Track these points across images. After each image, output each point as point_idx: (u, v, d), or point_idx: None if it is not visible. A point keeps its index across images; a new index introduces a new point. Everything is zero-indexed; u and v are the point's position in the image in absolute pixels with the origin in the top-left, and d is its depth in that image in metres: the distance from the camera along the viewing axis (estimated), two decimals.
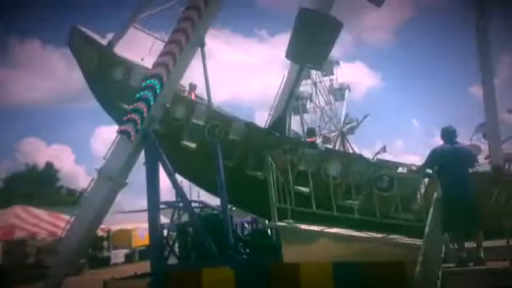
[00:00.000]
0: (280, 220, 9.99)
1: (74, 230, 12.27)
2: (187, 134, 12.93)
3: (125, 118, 11.41)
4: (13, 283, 19.51)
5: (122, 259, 28.02)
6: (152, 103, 11.57)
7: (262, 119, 14.86)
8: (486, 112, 11.13)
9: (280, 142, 12.17)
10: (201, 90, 13.98)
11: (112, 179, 11.99)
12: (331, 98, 40.70)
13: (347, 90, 41.42)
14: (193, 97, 14.40)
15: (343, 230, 9.68)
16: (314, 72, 38.27)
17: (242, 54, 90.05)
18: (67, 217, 14.63)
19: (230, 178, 11.99)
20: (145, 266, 13.47)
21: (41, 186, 53.24)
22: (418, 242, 7.44)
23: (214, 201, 13.57)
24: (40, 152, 78.12)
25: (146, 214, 12.34)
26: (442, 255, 7.72)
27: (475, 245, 7.71)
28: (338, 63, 41.67)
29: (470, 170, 8.26)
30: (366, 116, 38.80)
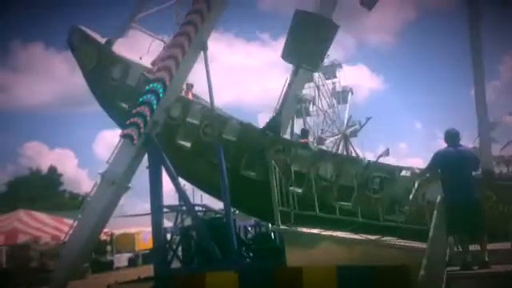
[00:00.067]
0: (283, 223, 9.98)
1: (77, 234, 12.29)
2: (182, 133, 12.91)
3: (128, 122, 11.44)
4: (16, 287, 19.52)
5: (126, 263, 27.99)
6: (155, 107, 11.59)
7: (265, 122, 14.85)
8: (476, 111, 11.12)
9: (274, 142, 12.20)
10: (203, 93, 13.98)
11: (115, 183, 12.01)
12: (334, 100, 40.68)
13: (350, 93, 41.41)
14: (190, 96, 14.40)
15: (346, 234, 9.66)
16: (316, 75, 38.28)
17: (244, 57, 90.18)
18: (70, 221, 14.66)
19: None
20: (148, 270, 13.46)
21: (44, 189, 53.31)
22: (421, 245, 7.42)
23: (217, 204, 13.56)
24: (43, 156, 78.34)
25: (149, 218, 12.35)
26: (447, 258, 7.69)
27: (479, 248, 7.67)
28: (340, 66, 41.71)
29: (474, 173, 8.24)
30: (368, 119, 38.79)
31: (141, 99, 11.63)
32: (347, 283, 8.99)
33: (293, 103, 16.72)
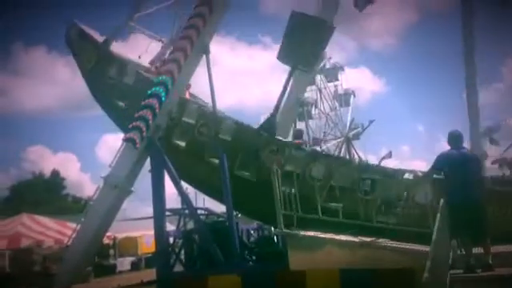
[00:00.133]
0: (286, 227, 9.97)
1: (80, 238, 12.30)
2: (178, 132, 12.91)
3: (130, 126, 11.45)
4: None
5: (128, 267, 27.92)
6: (157, 111, 11.60)
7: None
8: (468, 108, 11.12)
9: (268, 142, 12.22)
10: (205, 96, 13.99)
11: (117, 187, 12.03)
12: (336, 103, 40.63)
13: (352, 96, 41.34)
14: (187, 95, 14.43)
15: (349, 237, 9.64)
16: (318, 78, 38.31)
17: (246, 60, 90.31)
18: (73, 225, 14.65)
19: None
20: (151, 274, 13.48)
21: (47, 193, 53.45)
22: (424, 248, 7.40)
23: (220, 208, 13.56)
24: (46, 160, 78.55)
25: (151, 221, 12.35)
26: (450, 261, 7.67)
27: (483, 251, 7.65)
28: (342, 69, 41.67)
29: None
30: (371, 122, 38.70)
31: (143, 103, 11.65)
32: (351, 286, 8.97)
33: (294, 106, 16.76)
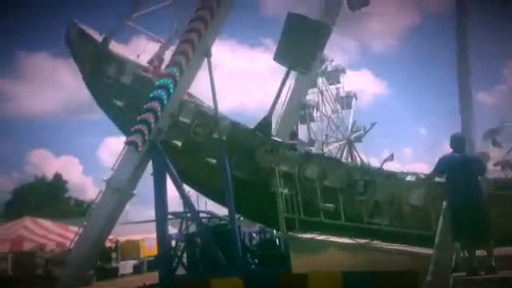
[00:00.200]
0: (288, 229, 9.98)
1: (82, 241, 12.29)
2: (175, 132, 12.93)
3: (132, 129, 11.47)
4: None
5: (131, 270, 27.92)
6: (159, 114, 11.61)
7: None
8: (460, 108, 11.11)
9: (263, 142, 12.24)
10: (207, 99, 14.00)
11: (120, 190, 12.02)
12: (338, 106, 40.62)
13: (354, 98, 41.31)
14: (185, 95, 14.44)
15: (351, 240, 9.64)
16: (320, 81, 38.31)
17: (247, 63, 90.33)
18: (75, 228, 14.66)
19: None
20: (153, 277, 13.45)
21: (49, 196, 53.45)
22: (427, 250, 7.38)
23: (222, 211, 13.56)
24: (48, 163, 78.44)
25: (154, 225, 12.35)
26: (453, 264, 7.65)
27: (486, 253, 7.63)
28: (344, 71, 41.64)
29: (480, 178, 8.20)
30: (373, 124, 38.65)
31: (145, 106, 11.67)
32: None
33: (296, 109, 16.77)
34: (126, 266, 27.77)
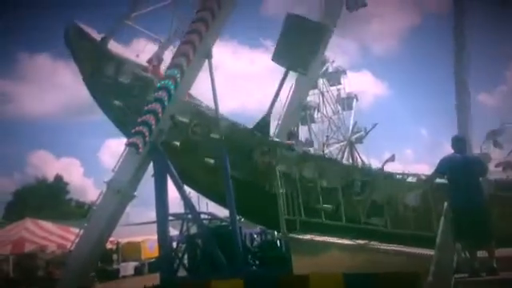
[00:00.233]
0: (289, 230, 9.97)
1: (83, 243, 12.30)
2: (173, 132, 12.94)
3: (133, 131, 11.48)
4: None
5: (132, 272, 27.90)
6: (160, 116, 11.61)
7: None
8: (457, 107, 11.09)
9: (261, 143, 12.24)
10: (208, 100, 14.01)
11: (120, 192, 12.02)
12: (339, 107, 40.60)
13: (355, 100, 41.27)
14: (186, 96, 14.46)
15: (353, 241, 9.62)
16: (321, 82, 38.29)
17: (248, 64, 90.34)
18: (76, 230, 14.66)
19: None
20: (154, 279, 13.43)
21: (50, 198, 53.49)
22: (428, 252, 7.37)
23: (223, 212, 13.56)
24: (49, 165, 78.67)
25: (155, 226, 12.34)
26: (454, 265, 7.63)
27: (487, 254, 7.61)
28: (344, 73, 41.60)
29: (481, 179, 8.19)
30: (374, 125, 38.62)
31: (146, 108, 11.68)
32: None
33: (297, 110, 16.77)
34: (127, 268, 27.76)
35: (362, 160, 36.71)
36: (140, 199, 12.99)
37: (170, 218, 12.55)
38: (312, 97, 36.34)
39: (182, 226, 13.63)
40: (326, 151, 34.68)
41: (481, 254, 7.67)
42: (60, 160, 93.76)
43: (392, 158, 32.61)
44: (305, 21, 12.78)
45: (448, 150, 8.37)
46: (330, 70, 40.29)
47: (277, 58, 13.03)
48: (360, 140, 39.02)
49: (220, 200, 13.14)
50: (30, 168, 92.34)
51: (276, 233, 12.58)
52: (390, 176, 12.24)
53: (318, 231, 10.01)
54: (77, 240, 12.76)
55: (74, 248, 12.94)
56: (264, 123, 13.17)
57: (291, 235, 9.97)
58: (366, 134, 38.69)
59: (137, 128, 11.40)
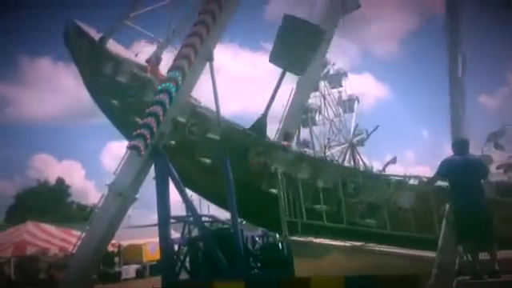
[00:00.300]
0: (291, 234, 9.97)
1: (84, 246, 12.29)
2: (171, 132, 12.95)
3: (134, 133, 11.49)
4: None
5: (133, 274, 27.93)
6: (161, 118, 11.63)
7: (270, 130, 14.94)
8: (451, 110, 11.10)
9: (256, 143, 12.25)
10: (209, 103, 14.04)
11: (122, 194, 12.02)
12: (340, 109, 40.64)
13: (356, 102, 41.34)
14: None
15: (355, 244, 9.62)
16: (322, 84, 38.32)
17: (249, 67, 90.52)
18: (78, 232, 14.67)
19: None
20: (156, 281, 13.42)
21: (52, 201, 53.54)
22: (430, 254, 7.37)
23: (224, 215, 13.55)
24: (51, 168, 78.85)
25: (156, 229, 12.33)
26: (456, 267, 7.63)
27: (489, 257, 7.61)
28: (346, 75, 41.69)
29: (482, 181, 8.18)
30: (375, 127, 38.64)
31: (147, 110, 11.69)
32: None
33: (298, 113, 16.78)
34: (129, 271, 27.78)
35: (363, 162, 36.75)
36: (141, 202, 13.01)
37: (172, 220, 12.53)
38: (313, 99, 36.43)
39: (184, 229, 13.60)
40: (328, 153, 34.71)
41: (482, 256, 7.67)
42: (61, 163, 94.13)
43: (393, 160, 32.65)
44: (302, 22, 12.81)
45: (449, 151, 8.39)
46: (331, 72, 40.38)
47: (274, 58, 13.09)
48: (361, 142, 39.07)
49: (220, 202, 13.15)
50: (31, 171, 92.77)
51: (277, 235, 12.57)
52: (384, 177, 12.25)
53: (316, 233, 10.00)
54: (78, 243, 12.75)
55: (75, 251, 12.94)
56: (260, 124, 13.18)
57: (293, 238, 9.96)
58: (368, 136, 38.74)
59: (138, 131, 11.41)
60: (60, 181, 58.32)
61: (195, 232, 13.25)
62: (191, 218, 12.92)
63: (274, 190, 11.59)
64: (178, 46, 14.00)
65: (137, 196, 12.59)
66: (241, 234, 11.89)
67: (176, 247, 12.96)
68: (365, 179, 11.38)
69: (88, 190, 76.58)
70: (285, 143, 13.75)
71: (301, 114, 19.14)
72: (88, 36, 14.47)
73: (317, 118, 39.03)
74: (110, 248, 22.74)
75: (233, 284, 10.33)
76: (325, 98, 39.92)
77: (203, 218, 13.51)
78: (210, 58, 12.55)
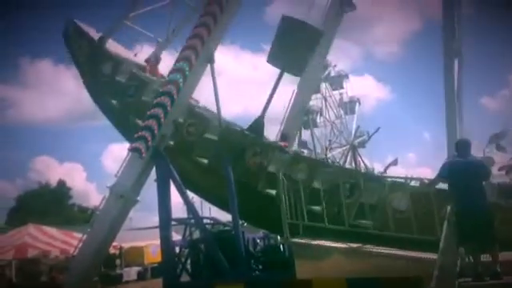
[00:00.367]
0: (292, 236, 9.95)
1: (86, 248, 12.30)
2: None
3: (136, 136, 11.50)
4: None
5: (135, 276, 27.89)
6: (162, 120, 11.64)
7: (271, 132, 14.95)
8: (446, 118, 11.08)
9: (253, 143, 12.26)
10: (210, 105, 14.06)
11: (123, 197, 12.02)
12: (341, 111, 40.69)
13: (357, 104, 41.40)
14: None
15: (356, 246, 9.60)
16: (323, 86, 38.37)
17: (250, 69, 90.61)
18: (79, 235, 14.68)
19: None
20: (157, 284, 13.44)
21: (53, 203, 53.57)
22: (432, 256, 7.35)
23: (226, 217, 13.54)
24: (52, 170, 79.07)
25: (157, 231, 12.33)
26: (458, 269, 7.61)
27: (491, 258, 7.59)
28: (347, 77, 41.78)
29: (484, 183, 8.17)
30: (377, 129, 38.68)
31: (149, 112, 11.70)
32: None
33: (299, 115, 16.75)
34: (130, 273, 27.74)
35: (364, 164, 36.77)
36: (143, 204, 13.02)
37: (173, 222, 12.53)
38: (315, 101, 36.52)
39: (185, 231, 13.61)
40: (329, 155, 34.72)
41: (484, 258, 7.65)
42: (63, 165, 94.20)
43: (395, 162, 32.70)
44: (300, 23, 12.82)
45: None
46: (333, 74, 40.45)
47: (271, 59, 13.11)
48: (363, 144, 39.13)
49: (220, 203, 13.13)
50: (32, 173, 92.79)
51: (279, 237, 12.56)
52: (381, 178, 12.22)
53: (315, 234, 9.97)
54: (80, 245, 12.76)
55: (77, 253, 12.94)
56: (257, 124, 13.18)
57: (294, 240, 9.94)
58: (369, 138, 38.81)
59: (139, 133, 11.43)
60: (61, 183, 58.39)
61: (196, 234, 13.25)
62: (192, 220, 12.93)
63: (269, 191, 11.61)
64: (177, 46, 14.09)
65: (138, 198, 12.60)
66: (242, 236, 11.88)
67: (177, 249, 12.97)
68: (361, 180, 11.33)
69: (89, 192, 76.72)
70: (282, 144, 13.73)
71: (302, 115, 19.12)
72: (88, 36, 14.50)
73: (318, 120, 39.09)
74: (112, 250, 22.70)
75: (234, 286, 10.32)
76: (326, 100, 39.99)
77: (204, 220, 13.52)
78: (211, 60, 12.56)
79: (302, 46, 12.74)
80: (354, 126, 40.00)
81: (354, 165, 35.58)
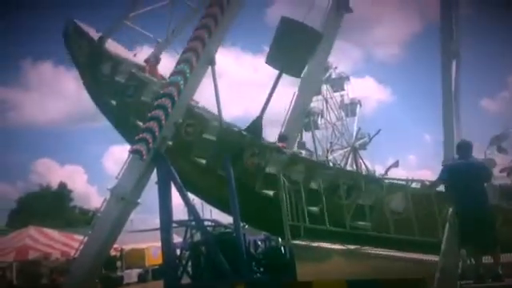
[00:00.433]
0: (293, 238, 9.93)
1: (87, 250, 12.28)
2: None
3: (136, 138, 11.50)
4: None
5: (135, 279, 27.90)
6: (163, 122, 11.63)
7: (272, 134, 14.95)
8: (443, 119, 11.05)
9: (251, 144, 12.25)
10: (211, 107, 14.06)
11: (124, 199, 12.01)
12: (342, 113, 40.70)
13: (358, 105, 41.41)
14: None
15: (357, 247, 9.58)
16: (324, 88, 38.38)
17: (251, 71, 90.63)
18: (80, 237, 14.67)
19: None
20: (158, 286, 13.42)
21: (54, 206, 53.59)
22: (433, 258, 7.34)
23: (227, 219, 13.53)
24: (53, 172, 79.12)
25: (158, 233, 12.32)
26: (459, 271, 7.59)
27: (492, 260, 7.57)
28: (348, 79, 41.82)
29: (486, 185, 8.15)
30: (378, 131, 38.65)
31: (149, 114, 11.70)
32: None
33: (300, 116, 16.75)
34: (131, 275, 27.75)
35: (365, 166, 36.74)
36: (144, 206, 12.99)
37: (174, 224, 12.51)
38: (316, 103, 36.56)
39: (186, 233, 13.59)
40: (330, 157, 34.71)
41: (486, 259, 7.63)
42: (64, 167, 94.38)
43: (396, 164, 32.65)
44: (299, 25, 12.81)
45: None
46: (334, 76, 40.48)
47: (270, 60, 13.10)
48: (364, 146, 39.10)
49: (221, 205, 13.11)
50: (33, 175, 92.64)
51: (280, 239, 12.54)
52: (380, 179, 12.20)
53: (315, 236, 9.95)
54: (81, 247, 12.74)
55: (77, 255, 12.93)
56: (256, 125, 13.17)
57: (295, 242, 9.92)
58: (370, 140, 38.78)
59: (140, 135, 11.42)
60: (62, 185, 58.44)
61: (197, 236, 13.23)
62: (193, 223, 12.91)
63: (267, 192, 11.63)
64: (177, 46, 14.13)
65: (139, 200, 12.59)
66: (243, 238, 11.86)
67: (178, 251, 12.95)
68: (362, 181, 11.32)
69: (90, 194, 76.73)
70: (280, 144, 13.72)
71: (303, 117, 19.12)
72: (88, 36, 14.52)
73: (319, 122, 39.11)
74: (112, 252, 22.71)
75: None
76: (327, 102, 40.02)
77: (205, 223, 13.50)
78: (211, 62, 12.56)
79: (301, 47, 12.74)
80: (355, 128, 40.01)
81: (355, 167, 35.54)
